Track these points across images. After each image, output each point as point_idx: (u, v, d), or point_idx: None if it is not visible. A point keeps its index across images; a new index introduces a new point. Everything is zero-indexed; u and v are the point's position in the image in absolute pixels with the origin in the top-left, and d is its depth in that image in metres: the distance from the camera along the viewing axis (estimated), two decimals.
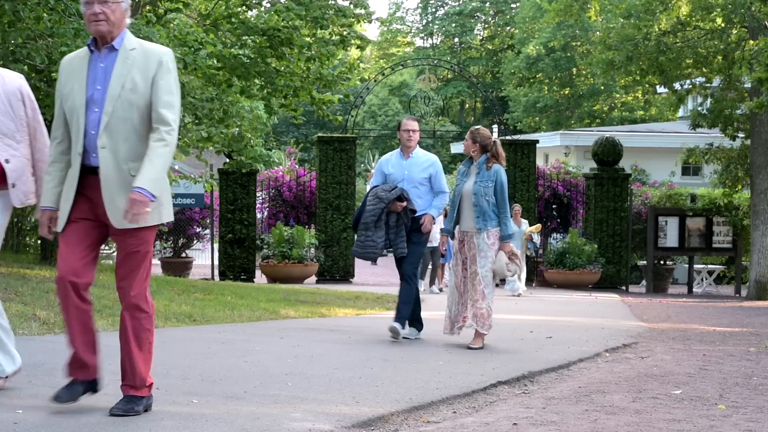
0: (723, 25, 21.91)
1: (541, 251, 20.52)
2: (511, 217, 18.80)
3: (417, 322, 9.40)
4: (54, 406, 4.93)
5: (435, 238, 18.03)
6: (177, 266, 23.51)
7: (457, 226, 9.17)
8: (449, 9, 64.65)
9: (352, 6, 16.12)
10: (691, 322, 13.67)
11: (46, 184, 5.09)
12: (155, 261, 25.76)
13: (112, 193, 4.85)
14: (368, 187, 9.45)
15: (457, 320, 9.01)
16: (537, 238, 19.36)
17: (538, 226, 19.61)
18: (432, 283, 19.44)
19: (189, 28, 12.86)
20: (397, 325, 9.00)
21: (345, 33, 15.89)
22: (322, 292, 16.30)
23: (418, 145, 9.51)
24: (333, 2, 15.72)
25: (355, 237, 9.48)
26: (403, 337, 9.13)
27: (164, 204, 4.99)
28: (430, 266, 19.64)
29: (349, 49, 17.14)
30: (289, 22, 14.80)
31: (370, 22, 16.78)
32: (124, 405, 4.90)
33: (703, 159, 23.38)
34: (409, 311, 9.14)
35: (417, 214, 9.13)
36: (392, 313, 13.13)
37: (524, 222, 19.45)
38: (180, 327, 9.25)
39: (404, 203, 9.04)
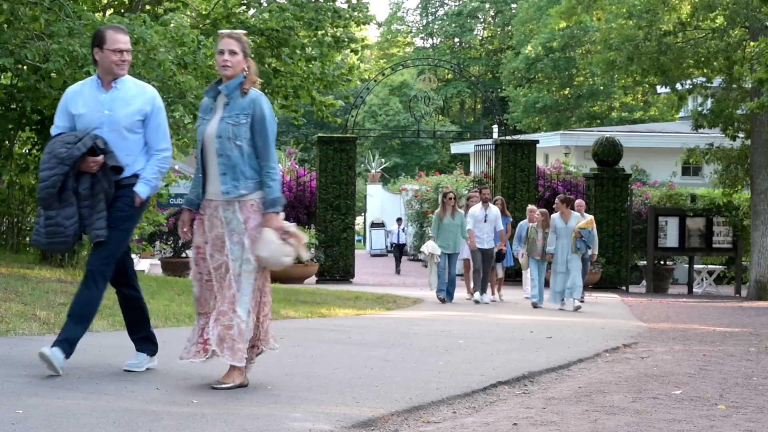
0: (724, 25, 21.92)
1: (591, 252, 16.30)
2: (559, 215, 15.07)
3: (148, 342, 6.33)
4: (54, 405, 4.93)
5: (484, 239, 15.87)
6: (177, 266, 23.49)
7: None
8: (449, 9, 64.69)
9: (349, 8, 16.15)
10: (691, 322, 13.66)
11: None
12: (155, 261, 25.78)
13: None
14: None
15: (198, 339, 5.92)
16: (589, 235, 15.42)
17: (590, 220, 15.67)
18: (483, 290, 16.05)
19: (185, 29, 12.86)
20: (51, 352, 5.79)
21: (339, 34, 15.93)
22: (322, 292, 16.30)
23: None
24: (330, 3, 15.75)
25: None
26: (126, 370, 6.19)
27: None
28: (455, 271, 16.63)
29: (344, 50, 17.18)
30: (286, 23, 14.83)
31: (367, 23, 16.80)
32: None
33: (704, 159, 23.40)
34: (81, 332, 5.99)
35: (125, 176, 6.04)
36: (392, 314, 13.16)
37: (575, 216, 15.58)
38: (180, 327, 9.24)
39: (101, 158, 5.94)
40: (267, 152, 5.81)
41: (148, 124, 6.11)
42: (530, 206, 16.78)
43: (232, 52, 5.80)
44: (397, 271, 28.97)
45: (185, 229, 6.01)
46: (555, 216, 15.38)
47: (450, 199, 15.64)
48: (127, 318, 6.36)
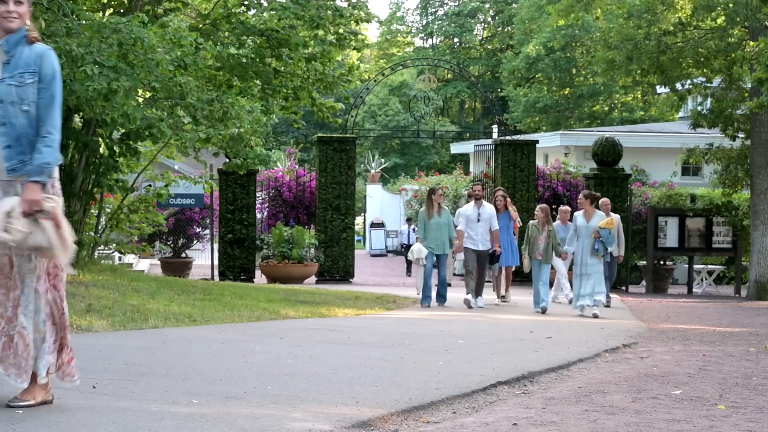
0: (724, 25, 21.94)
1: (615, 252, 15.37)
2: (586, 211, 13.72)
3: None
4: (54, 405, 4.93)
5: (478, 240, 14.60)
6: (177, 266, 23.55)
7: None
8: (449, 9, 64.73)
9: (350, 6, 16.14)
10: (691, 322, 13.66)
11: None
12: (155, 261, 25.80)
13: None
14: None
15: None
16: (608, 236, 14.06)
17: (610, 219, 14.38)
18: (478, 294, 14.84)
19: (183, 31, 12.84)
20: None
21: (341, 32, 15.91)
22: (322, 292, 16.30)
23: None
24: (331, 2, 15.75)
25: None
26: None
27: None
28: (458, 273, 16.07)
29: (347, 50, 17.15)
30: (287, 22, 14.82)
31: (368, 21, 16.77)
32: None
33: (703, 159, 23.41)
34: None
35: None
36: (392, 314, 13.16)
37: (599, 215, 14.24)
38: (180, 327, 9.25)
39: None
40: (49, 114, 4.79)
41: None
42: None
43: (18, 2, 4.82)
44: (409, 273, 28.33)
45: None
46: (577, 214, 14.30)
47: (439, 195, 14.61)
48: None
